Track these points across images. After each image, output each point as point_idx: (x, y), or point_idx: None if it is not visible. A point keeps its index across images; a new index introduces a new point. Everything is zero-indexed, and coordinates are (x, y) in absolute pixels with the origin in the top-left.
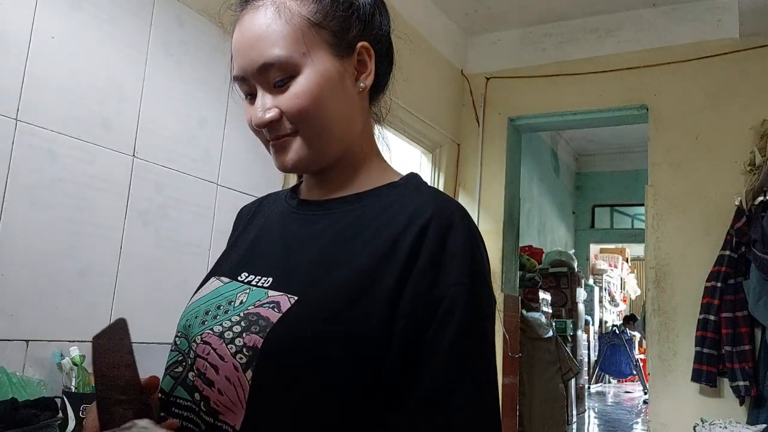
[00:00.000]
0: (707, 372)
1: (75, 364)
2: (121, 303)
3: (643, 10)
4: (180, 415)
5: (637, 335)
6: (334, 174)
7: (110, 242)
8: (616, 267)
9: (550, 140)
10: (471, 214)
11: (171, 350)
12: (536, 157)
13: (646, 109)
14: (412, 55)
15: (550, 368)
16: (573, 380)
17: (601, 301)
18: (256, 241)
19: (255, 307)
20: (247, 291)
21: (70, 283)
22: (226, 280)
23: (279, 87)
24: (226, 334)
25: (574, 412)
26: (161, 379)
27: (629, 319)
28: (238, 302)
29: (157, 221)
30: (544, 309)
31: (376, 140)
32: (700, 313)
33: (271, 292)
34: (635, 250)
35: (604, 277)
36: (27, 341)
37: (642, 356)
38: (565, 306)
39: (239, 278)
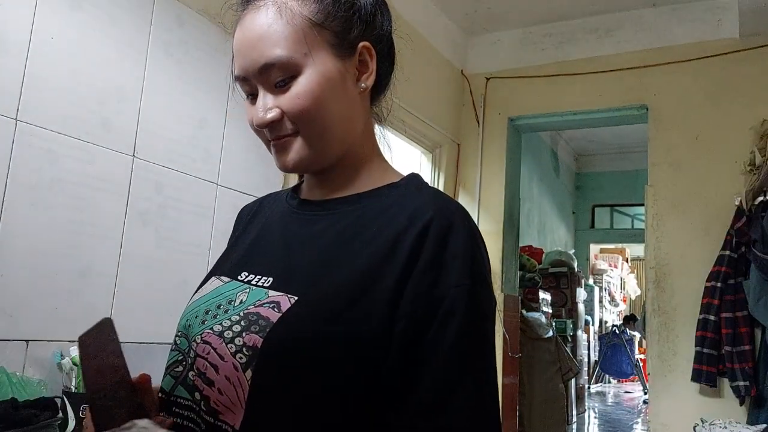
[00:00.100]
0: (707, 372)
1: (75, 364)
2: (121, 303)
3: (643, 10)
4: (180, 414)
5: (637, 335)
6: (335, 174)
7: (110, 242)
8: (616, 267)
9: (550, 140)
10: (471, 214)
11: (171, 350)
12: (536, 157)
13: (646, 109)
14: (413, 55)
15: (550, 368)
16: (573, 380)
17: (601, 301)
18: (256, 240)
19: (255, 306)
20: (247, 290)
21: (70, 283)
22: (226, 279)
23: (280, 87)
24: (225, 334)
25: (574, 412)
26: (162, 379)
27: (629, 319)
28: (238, 302)
29: (157, 221)
30: (544, 309)
31: (377, 140)
32: (700, 313)
33: (272, 292)
34: (635, 250)
35: (604, 277)
36: (27, 341)
37: (642, 356)
38: (565, 306)
39: (239, 278)
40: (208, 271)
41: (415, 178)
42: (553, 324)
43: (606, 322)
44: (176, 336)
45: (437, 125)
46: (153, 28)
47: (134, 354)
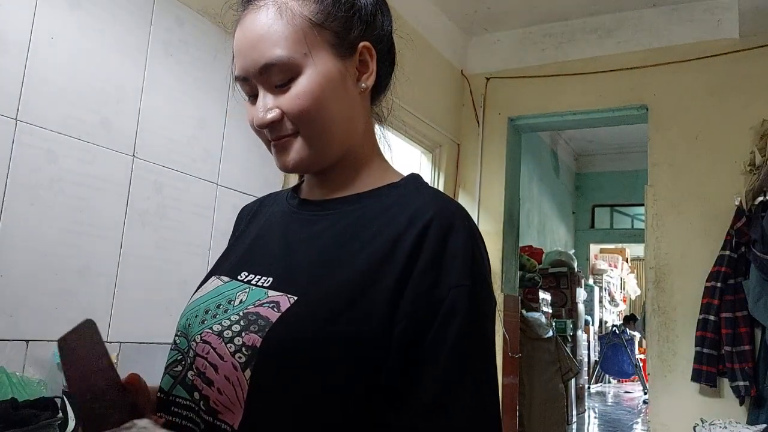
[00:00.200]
0: (707, 372)
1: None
2: (120, 303)
3: (643, 10)
4: (179, 414)
5: (637, 335)
6: (335, 174)
7: (110, 242)
8: (616, 267)
9: (550, 140)
10: (471, 214)
11: (171, 349)
12: (536, 157)
13: (646, 109)
14: (413, 55)
15: (549, 368)
16: (573, 380)
17: (601, 301)
18: (256, 240)
19: (254, 306)
20: (247, 290)
21: (70, 282)
22: (226, 279)
23: (280, 87)
24: (225, 333)
25: (574, 412)
26: (161, 378)
27: (629, 319)
28: (237, 301)
29: (156, 221)
30: (544, 309)
31: (378, 140)
32: (700, 313)
33: (271, 292)
34: (635, 250)
35: (604, 277)
36: (27, 341)
37: (642, 356)
38: (565, 306)
39: (239, 277)
40: (208, 270)
41: (415, 178)
42: (553, 324)
43: (606, 322)
44: (176, 335)
45: (437, 125)
46: (153, 28)
47: (134, 354)
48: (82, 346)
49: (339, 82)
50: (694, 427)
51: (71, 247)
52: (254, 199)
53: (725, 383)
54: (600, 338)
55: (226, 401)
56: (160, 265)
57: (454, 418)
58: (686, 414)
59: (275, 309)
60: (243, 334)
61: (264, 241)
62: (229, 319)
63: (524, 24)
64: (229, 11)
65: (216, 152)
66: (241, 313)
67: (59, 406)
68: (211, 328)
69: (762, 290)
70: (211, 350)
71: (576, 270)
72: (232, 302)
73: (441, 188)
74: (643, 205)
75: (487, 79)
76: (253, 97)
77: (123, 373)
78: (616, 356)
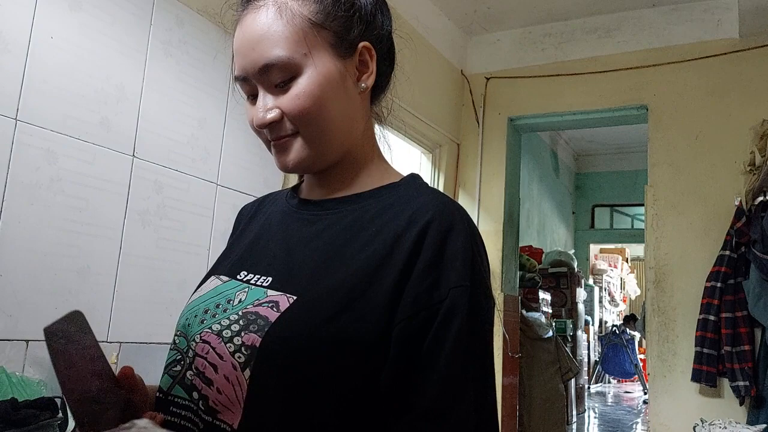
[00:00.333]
0: (707, 372)
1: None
2: (120, 303)
3: (643, 10)
4: (178, 414)
5: (637, 335)
6: (334, 174)
7: (110, 242)
8: (615, 267)
9: (549, 140)
10: (471, 214)
11: (170, 349)
12: (536, 157)
13: (645, 109)
14: (413, 55)
15: (549, 368)
16: (573, 380)
17: (601, 301)
18: (256, 240)
19: (254, 306)
20: (246, 290)
21: (70, 282)
22: (225, 278)
23: (280, 87)
24: (224, 333)
25: (574, 412)
26: (160, 378)
27: (629, 319)
28: (237, 301)
29: (156, 221)
30: (544, 309)
31: (378, 140)
32: (700, 314)
33: (270, 292)
34: (635, 250)
35: (604, 277)
36: (27, 341)
37: (642, 356)
38: (565, 306)
39: (238, 277)
40: (208, 270)
41: (414, 178)
42: (553, 324)
43: (606, 322)
44: (175, 335)
45: (437, 125)
46: (153, 28)
47: (134, 354)
48: (69, 336)
49: (339, 82)
50: (694, 427)
51: (71, 247)
52: (254, 199)
53: (725, 383)
54: (600, 338)
55: (225, 401)
56: (160, 265)
57: (454, 421)
58: (686, 414)
59: (274, 309)
60: (242, 333)
61: (263, 241)
62: (229, 318)
63: (524, 24)
64: (228, 11)
65: (216, 152)
66: (240, 313)
67: (59, 406)
68: (210, 328)
69: (762, 290)
70: (211, 350)
71: (576, 270)
72: (231, 302)
73: (441, 188)
74: (643, 205)
75: (487, 79)
76: (253, 97)
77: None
78: (617, 356)
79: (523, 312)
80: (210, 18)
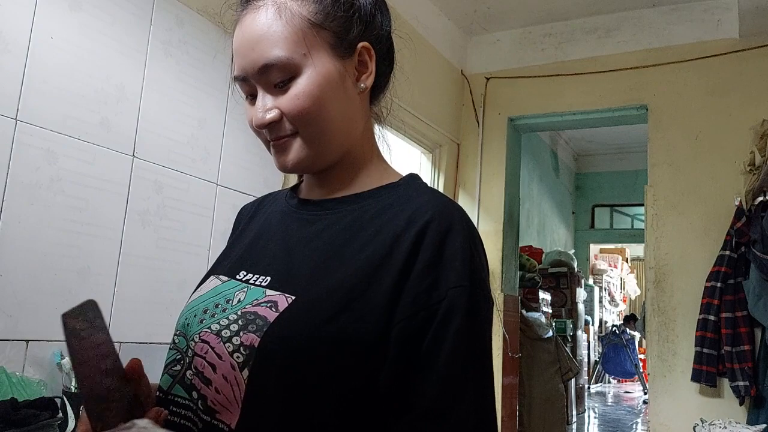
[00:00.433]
0: (707, 372)
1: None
2: (120, 303)
3: (643, 10)
4: (178, 413)
5: (637, 335)
6: (334, 174)
7: (110, 242)
8: (615, 267)
9: (549, 140)
10: (471, 215)
11: (170, 349)
12: (536, 157)
13: (645, 109)
14: (412, 55)
15: (549, 368)
16: (573, 380)
17: (601, 301)
18: (255, 240)
19: (252, 305)
20: (245, 289)
21: (70, 282)
22: (224, 278)
23: (279, 88)
24: (223, 333)
25: (574, 412)
26: (160, 377)
27: (629, 319)
28: (236, 301)
29: (156, 221)
30: (544, 309)
31: (377, 140)
32: (700, 313)
33: (269, 292)
34: (635, 250)
35: (604, 277)
36: (27, 341)
37: (642, 356)
38: (565, 306)
39: (238, 277)
40: (207, 270)
41: (413, 178)
42: (553, 324)
43: (606, 322)
44: (175, 335)
45: (437, 125)
46: (153, 28)
47: (134, 353)
48: (85, 326)
49: (338, 82)
50: (694, 427)
51: (71, 247)
52: (254, 199)
53: (725, 383)
54: (600, 338)
55: (223, 401)
56: (160, 265)
57: (454, 421)
58: (686, 414)
59: (273, 308)
60: (241, 333)
61: (263, 241)
62: (228, 318)
63: (524, 24)
64: (228, 11)
65: (216, 152)
66: (239, 313)
67: (59, 406)
68: (209, 328)
69: (762, 290)
70: (210, 350)
71: (576, 270)
72: (230, 301)
73: (441, 188)
74: (643, 205)
75: (487, 79)
76: (252, 98)
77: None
78: (617, 356)
79: (523, 312)
80: (210, 18)
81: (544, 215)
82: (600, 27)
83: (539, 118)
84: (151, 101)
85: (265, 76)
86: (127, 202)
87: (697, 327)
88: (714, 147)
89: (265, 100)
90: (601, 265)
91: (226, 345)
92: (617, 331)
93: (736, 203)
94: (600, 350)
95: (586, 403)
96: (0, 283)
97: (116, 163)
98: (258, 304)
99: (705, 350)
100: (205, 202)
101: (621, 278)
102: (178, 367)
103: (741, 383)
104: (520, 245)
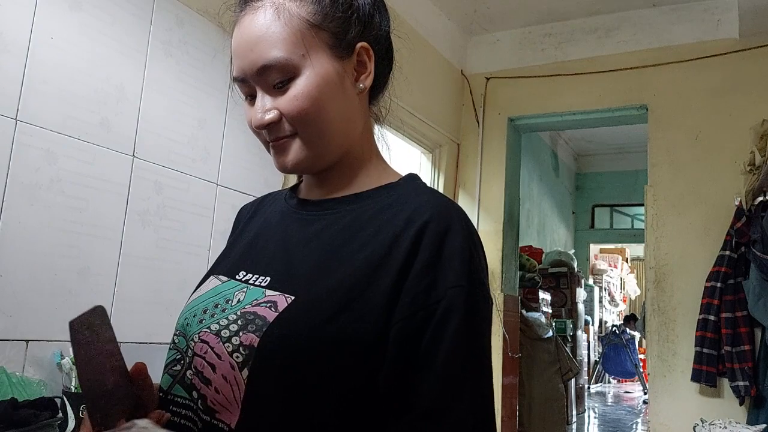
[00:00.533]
0: (707, 372)
1: (75, 364)
2: (120, 303)
3: (643, 10)
4: (178, 413)
5: (637, 335)
6: (333, 174)
7: (110, 242)
8: (615, 267)
9: (549, 140)
10: (471, 215)
11: (169, 348)
12: (536, 157)
13: (645, 109)
14: (412, 55)
15: (549, 368)
16: (573, 380)
17: (601, 301)
18: (255, 240)
19: (252, 306)
20: (245, 290)
21: (70, 283)
22: (224, 278)
23: (278, 88)
24: (223, 333)
25: (574, 412)
26: (161, 377)
27: (629, 319)
28: (235, 301)
29: (156, 221)
30: (544, 309)
31: (376, 140)
32: (700, 314)
33: (269, 292)
34: (635, 250)
35: (604, 277)
36: (27, 341)
37: (642, 356)
38: (565, 306)
39: (237, 277)
40: (207, 270)
41: (412, 178)
42: (553, 324)
43: (606, 322)
44: (174, 335)
45: (437, 125)
46: (153, 28)
47: (134, 354)
48: (91, 330)
49: (337, 82)
50: (694, 427)
51: (71, 247)
52: (254, 198)
53: (725, 383)
54: (600, 338)
55: (223, 400)
56: (160, 265)
57: (453, 421)
58: (686, 414)
59: (272, 309)
60: (240, 333)
61: (262, 241)
62: (227, 318)
63: (524, 24)
64: (227, 12)
65: (216, 152)
66: (238, 313)
67: (59, 406)
68: (209, 328)
69: (762, 290)
70: (209, 350)
71: (576, 270)
72: (229, 302)
73: (441, 188)
74: (643, 205)
75: (487, 79)
76: (252, 98)
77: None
78: (618, 356)
79: (523, 312)
80: (210, 18)
81: (544, 215)
82: (600, 27)
83: (539, 118)
84: (151, 101)
85: (264, 77)
86: (127, 202)
87: (697, 327)
88: (714, 147)
89: (264, 100)
90: (601, 265)
91: (226, 345)
92: (617, 331)
93: (736, 203)
94: (600, 350)
95: (586, 403)
96: (0, 283)
97: (116, 163)
98: (257, 305)
99: (705, 350)
100: (205, 202)
101: (621, 278)
102: (178, 367)
103: (741, 383)
104: (520, 245)
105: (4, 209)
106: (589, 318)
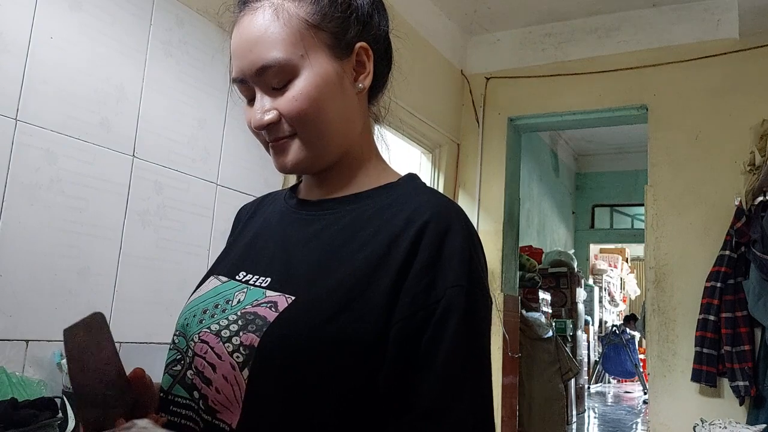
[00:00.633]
0: (707, 372)
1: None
2: (120, 303)
3: (643, 10)
4: (178, 413)
5: (637, 335)
6: (333, 174)
7: (110, 242)
8: (615, 267)
9: (549, 140)
10: (471, 215)
11: (170, 349)
12: (536, 157)
13: (645, 109)
14: (412, 55)
15: (549, 368)
16: (573, 380)
17: (600, 301)
18: (254, 240)
19: (252, 306)
20: (245, 290)
21: (70, 283)
22: (224, 279)
23: (278, 89)
24: (223, 333)
25: (574, 412)
26: (162, 377)
27: (629, 319)
28: (235, 301)
29: (156, 221)
30: (544, 309)
31: (376, 140)
32: (700, 314)
33: (269, 292)
34: (635, 250)
35: (604, 277)
36: (27, 341)
37: (642, 356)
38: (565, 306)
39: (237, 277)
40: (207, 270)
41: (412, 178)
42: (553, 324)
43: (606, 322)
44: (174, 335)
45: (437, 125)
46: (153, 28)
47: (134, 354)
48: (88, 338)
49: (336, 83)
50: (694, 427)
51: (71, 247)
52: (254, 198)
53: (725, 383)
54: (600, 338)
55: (224, 400)
56: (160, 265)
57: (453, 421)
58: (686, 414)
59: (273, 309)
60: (241, 333)
61: (262, 241)
62: (227, 318)
63: (524, 24)
64: (226, 13)
65: (216, 152)
66: (239, 313)
67: (59, 406)
68: (209, 328)
69: (762, 290)
70: (209, 350)
71: (576, 270)
72: (230, 302)
73: (441, 188)
74: (643, 205)
75: (487, 79)
76: (251, 99)
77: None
78: (618, 356)
79: (523, 312)
80: (210, 18)
81: (544, 215)
82: (600, 27)
83: (539, 118)
84: (151, 101)
85: (263, 78)
86: (127, 202)
87: (697, 327)
88: (714, 147)
89: (263, 101)
90: (601, 265)
91: (226, 345)
92: (617, 331)
93: (736, 203)
94: (600, 350)
95: (586, 403)
96: (0, 283)
97: (116, 163)
98: (258, 305)
99: (705, 350)
100: (205, 202)
101: (621, 278)
102: (179, 367)
103: (741, 383)
104: (520, 245)
105: (4, 209)
106: (589, 318)
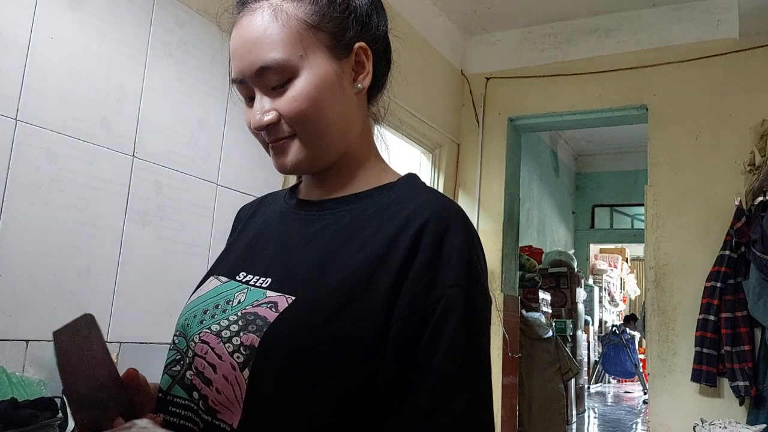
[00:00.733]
0: (707, 372)
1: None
2: (121, 303)
3: (643, 10)
4: (177, 413)
5: (637, 335)
6: (332, 174)
7: (110, 242)
8: (615, 267)
9: (549, 140)
10: (471, 215)
11: (169, 349)
12: (536, 157)
13: (645, 109)
14: (412, 55)
15: (549, 368)
16: (573, 380)
17: (600, 301)
18: (254, 240)
19: (253, 306)
20: (246, 291)
21: (70, 283)
22: (224, 279)
23: (277, 90)
24: (223, 333)
25: (574, 412)
26: (160, 378)
27: (629, 319)
28: (236, 302)
29: (156, 221)
30: (544, 309)
31: (375, 140)
32: (700, 314)
33: (269, 293)
34: (635, 250)
35: (604, 277)
36: (27, 341)
37: (642, 356)
38: (565, 306)
39: (237, 278)
40: (207, 270)
41: (412, 178)
42: (553, 324)
43: (606, 322)
44: (174, 335)
45: (437, 125)
46: (153, 28)
47: (134, 354)
48: (78, 340)
49: (335, 83)
50: (694, 427)
51: (71, 247)
52: (254, 198)
53: (725, 383)
54: (600, 338)
55: (224, 401)
56: (160, 265)
57: (452, 421)
58: (686, 414)
59: (273, 309)
60: (241, 333)
61: (262, 242)
62: (228, 319)
63: (524, 24)
64: (225, 14)
65: (216, 152)
66: (239, 313)
67: (59, 406)
68: (209, 328)
69: (762, 290)
70: (210, 350)
71: (576, 270)
72: (230, 302)
73: (441, 188)
74: (643, 205)
75: (487, 79)
76: (250, 100)
77: (122, 371)
78: (618, 356)
79: (523, 312)
80: (210, 18)
81: (544, 215)
82: (600, 27)
83: (539, 118)
84: (151, 101)
85: (262, 79)
86: (127, 202)
87: (697, 327)
88: (714, 147)
89: (262, 102)
90: (601, 265)
91: (226, 345)
92: (617, 331)
93: (736, 203)
94: (600, 350)
95: (586, 403)
96: (0, 283)
97: (116, 163)
98: (258, 305)
99: (705, 350)
100: (205, 202)
101: (621, 278)
102: (178, 368)
103: (741, 383)
104: (520, 245)
105: (4, 209)
106: (589, 318)
